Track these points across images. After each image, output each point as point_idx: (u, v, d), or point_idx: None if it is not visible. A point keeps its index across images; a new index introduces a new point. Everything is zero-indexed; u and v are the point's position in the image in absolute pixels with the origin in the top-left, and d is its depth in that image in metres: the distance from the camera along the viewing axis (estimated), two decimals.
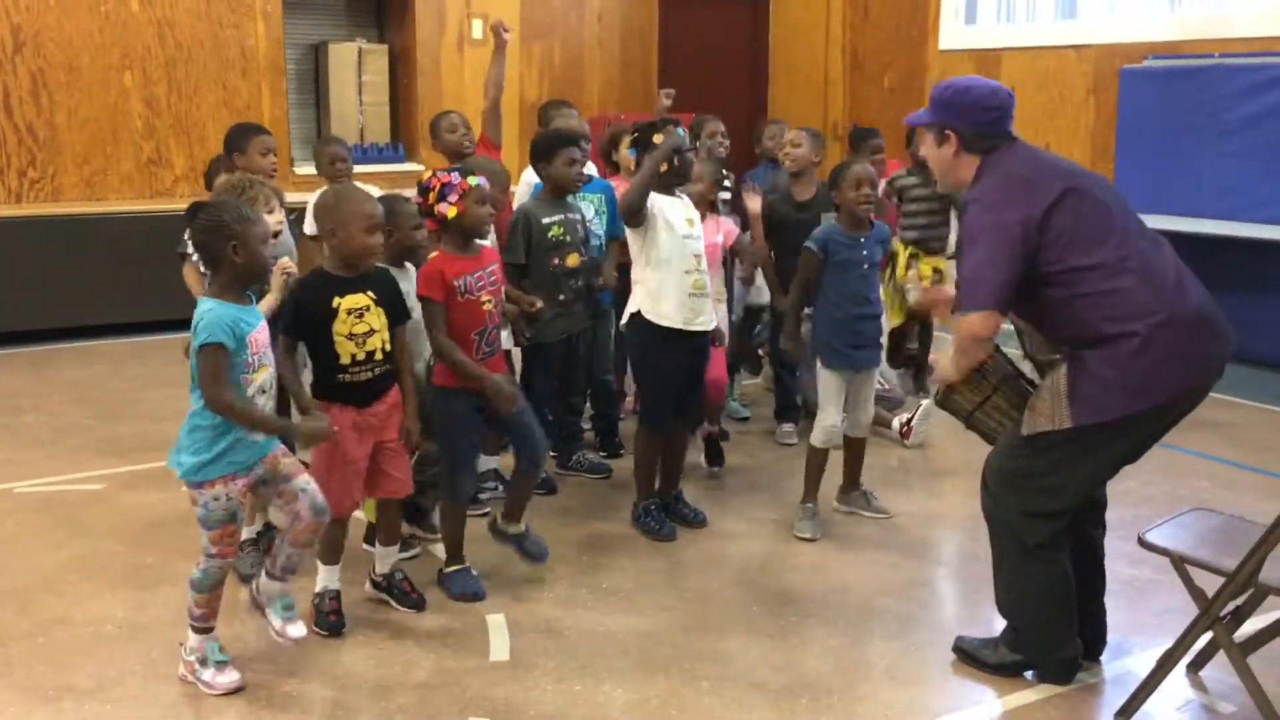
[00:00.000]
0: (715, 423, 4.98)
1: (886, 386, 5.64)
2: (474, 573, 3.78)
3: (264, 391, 3.02)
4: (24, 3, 7.50)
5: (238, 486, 3.00)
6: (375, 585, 3.66)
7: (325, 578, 3.48)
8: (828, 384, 4.29)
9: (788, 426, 5.42)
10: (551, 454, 4.77)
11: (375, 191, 3.95)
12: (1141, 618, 3.51)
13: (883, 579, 3.93)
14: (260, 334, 3.01)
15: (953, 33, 8.67)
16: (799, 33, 10.10)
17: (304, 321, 3.31)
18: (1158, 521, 3.13)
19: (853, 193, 4.23)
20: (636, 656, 3.38)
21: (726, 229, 4.92)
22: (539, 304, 4.23)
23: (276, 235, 3.67)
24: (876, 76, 9.40)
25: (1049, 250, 2.90)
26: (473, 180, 3.57)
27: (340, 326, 3.30)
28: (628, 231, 4.14)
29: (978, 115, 3.06)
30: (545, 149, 4.57)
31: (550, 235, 4.44)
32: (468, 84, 9.07)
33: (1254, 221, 6.67)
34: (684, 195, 4.20)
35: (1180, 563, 2.98)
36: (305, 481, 3.14)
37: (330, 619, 3.45)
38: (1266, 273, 6.63)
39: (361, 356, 3.34)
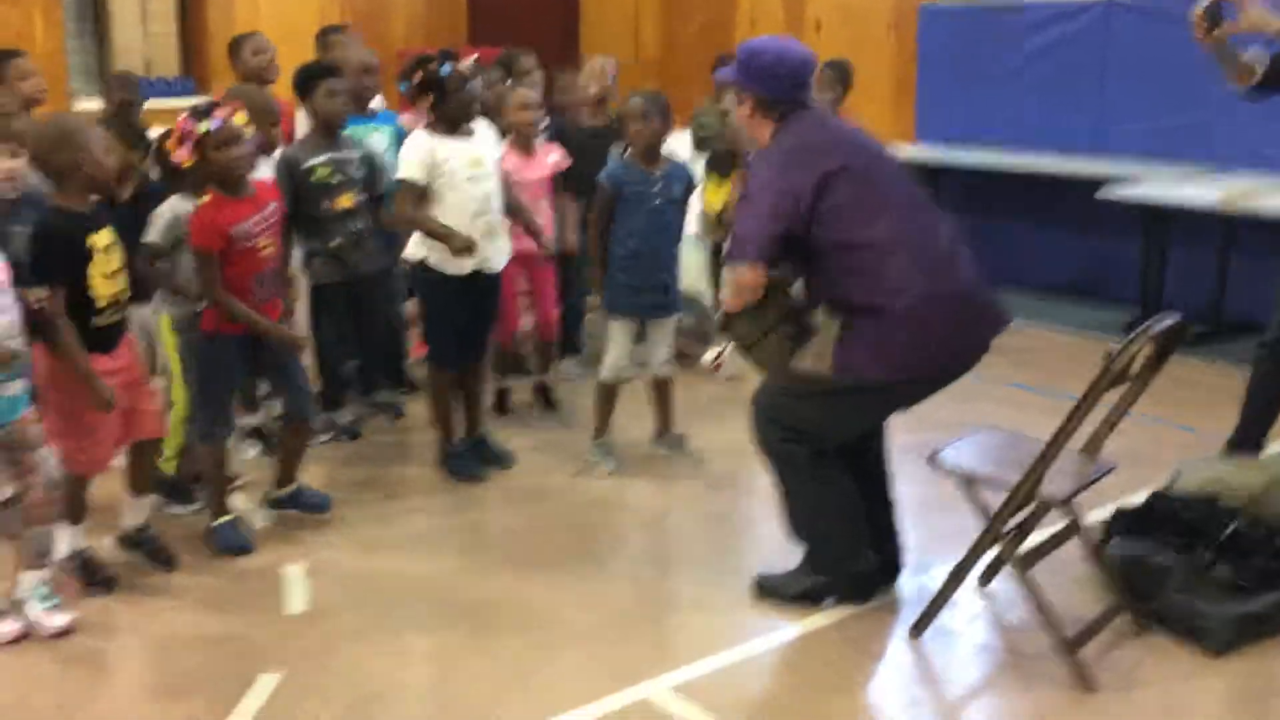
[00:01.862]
0: (546, 369, 4.84)
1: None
2: (238, 523, 3.62)
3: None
4: None
5: None
6: (123, 541, 3.43)
7: (72, 538, 3.26)
8: (613, 329, 4.21)
9: (568, 362, 5.24)
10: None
11: None
12: (936, 536, 3.61)
13: (690, 512, 3.95)
14: None
15: None
16: None
17: (61, 267, 3.03)
18: (948, 442, 3.21)
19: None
20: (438, 602, 3.30)
21: (555, 160, 4.76)
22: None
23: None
24: (688, 12, 9.34)
25: (824, 222, 2.95)
26: (204, 125, 3.31)
27: (96, 267, 3.07)
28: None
29: (768, 80, 3.10)
30: (303, 82, 4.33)
31: (316, 178, 4.22)
32: (262, 11, 8.61)
33: (1040, 152, 6.92)
34: (480, 128, 4.05)
35: (968, 481, 3.08)
36: (48, 453, 2.94)
37: (100, 576, 3.25)
38: (1054, 202, 6.91)
39: (112, 296, 3.14)
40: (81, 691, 2.86)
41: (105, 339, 3.14)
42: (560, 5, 10.23)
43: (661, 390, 4.39)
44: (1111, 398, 2.97)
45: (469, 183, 3.91)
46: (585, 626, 3.16)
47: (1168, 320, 2.86)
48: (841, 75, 5.92)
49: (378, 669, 2.93)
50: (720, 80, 3.39)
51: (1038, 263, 7.13)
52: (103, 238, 3.11)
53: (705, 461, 4.36)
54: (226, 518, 3.58)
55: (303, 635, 3.09)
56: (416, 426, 4.64)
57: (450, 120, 3.93)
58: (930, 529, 3.66)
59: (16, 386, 2.92)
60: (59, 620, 3.01)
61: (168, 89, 8.34)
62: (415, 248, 4.04)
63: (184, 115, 3.37)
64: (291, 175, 4.20)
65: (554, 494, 4.07)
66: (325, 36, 5.40)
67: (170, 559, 3.40)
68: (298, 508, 3.71)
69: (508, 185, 4.18)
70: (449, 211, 3.90)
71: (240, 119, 3.42)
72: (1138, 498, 3.46)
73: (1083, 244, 6.97)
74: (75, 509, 3.24)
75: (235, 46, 4.91)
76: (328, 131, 4.31)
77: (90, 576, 3.24)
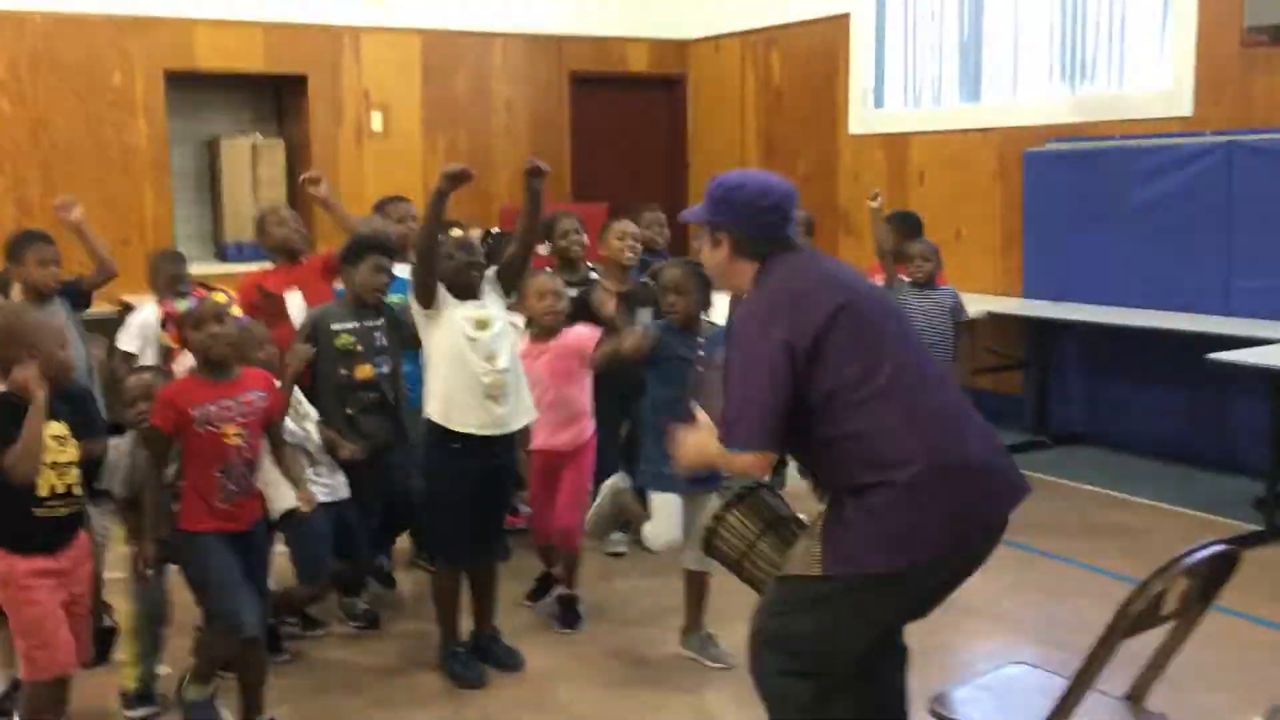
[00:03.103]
0: (570, 580, 4.38)
1: None
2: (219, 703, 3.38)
3: None
4: None
5: None
6: None
7: None
8: (656, 503, 3.89)
9: (617, 535, 4.93)
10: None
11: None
12: None
13: None
14: None
15: (861, 117, 8.43)
16: (715, 119, 9.87)
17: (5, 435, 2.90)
18: (969, 676, 2.73)
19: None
20: None
21: (584, 339, 4.37)
22: (353, 450, 3.95)
23: None
24: (791, 162, 9.13)
25: (817, 378, 2.54)
26: (180, 305, 3.22)
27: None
28: (416, 318, 3.77)
29: (750, 216, 2.72)
30: (352, 253, 4.24)
31: (339, 343, 4.09)
32: (367, 177, 8.79)
33: (1156, 308, 6.34)
34: (489, 289, 3.84)
35: None
36: None
37: None
38: (1172, 362, 6.27)
39: (61, 489, 2.99)
40: None
41: (47, 535, 2.99)
42: (666, 157, 10.18)
43: (694, 584, 4.00)
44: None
45: (471, 341, 3.70)
46: None
47: (1210, 550, 2.35)
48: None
49: None
50: (686, 219, 2.98)
51: (1153, 427, 6.50)
52: (53, 428, 2.98)
53: (739, 668, 3.92)
54: (206, 691, 3.39)
55: None
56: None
57: (450, 287, 3.74)
58: None
59: None
60: None
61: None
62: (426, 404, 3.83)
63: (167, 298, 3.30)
64: (316, 335, 4.10)
65: (568, 703, 3.69)
66: (383, 206, 5.33)
67: None
68: None
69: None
70: (451, 359, 3.70)
71: (220, 299, 3.31)
72: None
73: (1204, 408, 6.30)
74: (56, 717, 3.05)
75: (260, 221, 4.88)
76: (359, 301, 4.19)
77: None
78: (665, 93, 10.12)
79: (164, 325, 3.28)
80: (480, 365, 3.68)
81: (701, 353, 3.87)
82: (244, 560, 3.33)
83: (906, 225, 5.94)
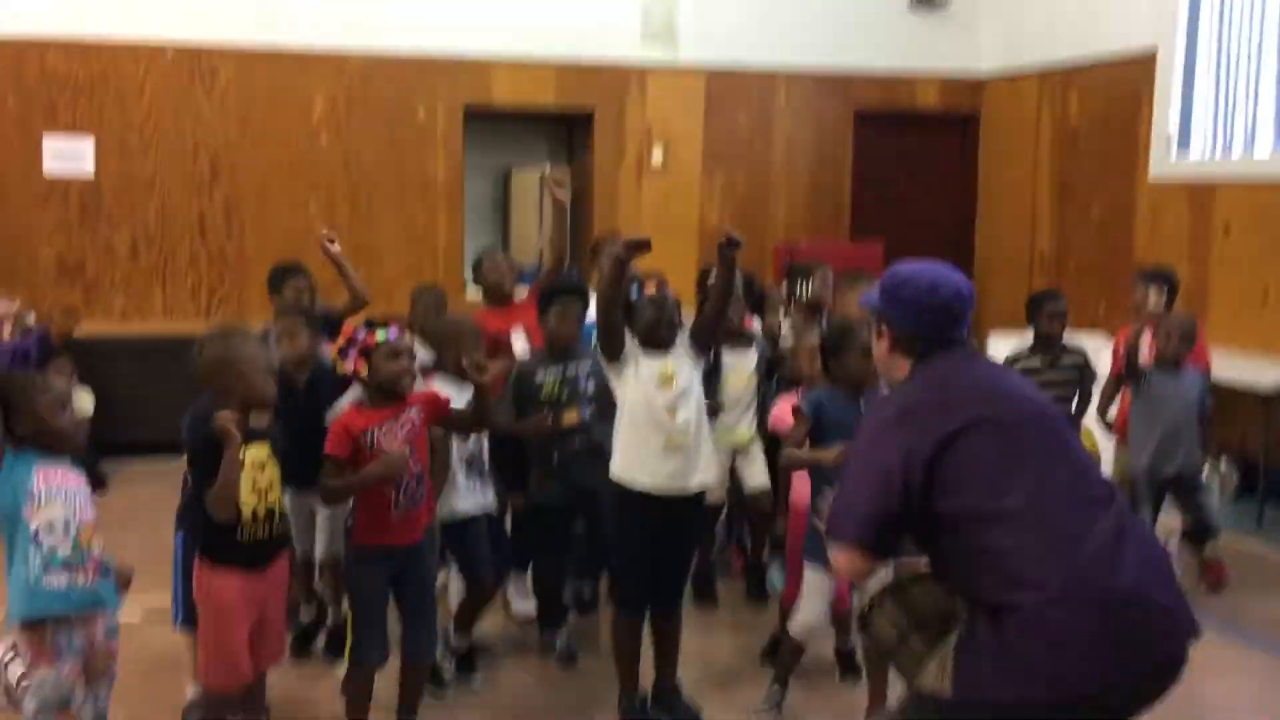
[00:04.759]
0: (845, 639, 4.24)
1: None
2: None
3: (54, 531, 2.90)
4: (222, 136, 8.12)
5: (65, 669, 2.88)
6: None
7: None
8: (810, 580, 3.78)
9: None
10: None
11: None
12: None
13: None
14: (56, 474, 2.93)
15: (1163, 162, 7.79)
16: (1007, 159, 9.42)
17: (207, 474, 3.18)
18: None
19: None
20: None
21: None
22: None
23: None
24: (1084, 208, 8.59)
25: (945, 489, 2.40)
26: (380, 334, 3.40)
27: (244, 478, 3.18)
28: (606, 369, 3.84)
29: (913, 314, 2.63)
30: (544, 299, 4.37)
31: (544, 392, 4.21)
32: (645, 210, 9.03)
33: None
34: (681, 344, 3.85)
35: None
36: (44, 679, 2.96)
37: None
38: None
39: (262, 512, 3.22)
40: None
41: (249, 555, 3.23)
42: (953, 199, 9.82)
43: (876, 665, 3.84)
44: None
45: (655, 399, 3.71)
46: None
47: None
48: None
49: None
50: (861, 305, 2.89)
51: None
52: (256, 452, 3.22)
53: None
54: None
55: None
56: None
57: (641, 338, 3.78)
58: None
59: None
60: None
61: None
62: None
63: (357, 325, 3.49)
64: (521, 388, 4.25)
65: None
66: (600, 244, 5.46)
67: None
68: None
69: None
70: (633, 414, 3.74)
71: (409, 337, 3.52)
72: None
73: None
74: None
75: (476, 264, 5.11)
76: (555, 348, 4.31)
77: None
78: (955, 131, 9.77)
79: (342, 352, 3.44)
80: (661, 421, 3.70)
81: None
82: (407, 584, 3.50)
83: (1164, 285, 5.44)
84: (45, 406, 2.90)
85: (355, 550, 3.50)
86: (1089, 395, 5.33)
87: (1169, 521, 5.31)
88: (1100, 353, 5.71)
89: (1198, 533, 5.23)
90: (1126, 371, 5.14)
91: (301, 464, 3.56)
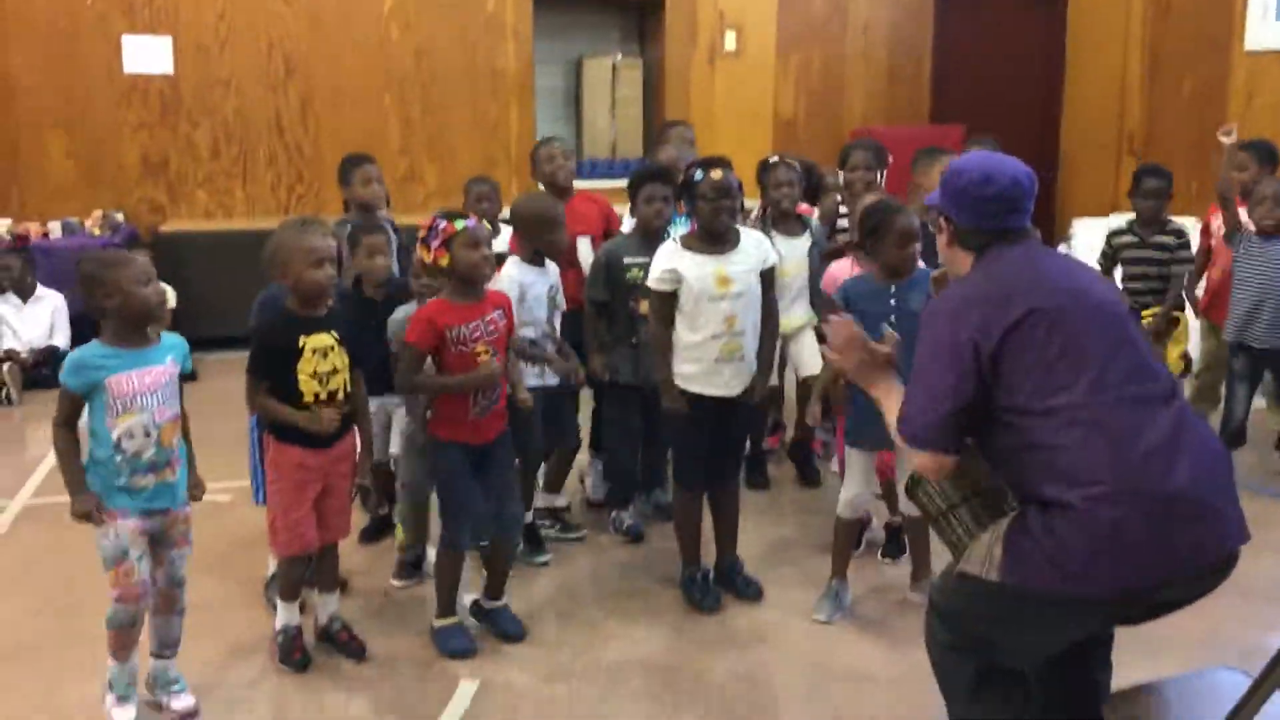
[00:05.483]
0: (894, 508, 4.23)
1: None
2: (465, 628, 3.66)
3: (134, 436, 2.99)
4: (295, 34, 8.17)
5: (127, 526, 3.01)
6: (317, 634, 3.60)
7: (285, 614, 3.49)
8: (852, 460, 3.79)
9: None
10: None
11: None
12: None
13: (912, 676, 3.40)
14: (134, 379, 2.99)
15: (1260, 32, 7.43)
16: (1097, 33, 9.05)
17: (268, 363, 3.31)
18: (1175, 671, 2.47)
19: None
20: None
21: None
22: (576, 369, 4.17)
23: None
24: (1175, 82, 8.25)
25: (1004, 381, 2.39)
26: (459, 223, 3.42)
27: (305, 365, 3.29)
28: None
29: (967, 205, 2.59)
30: (632, 185, 4.36)
31: (629, 276, 4.25)
32: (717, 98, 8.91)
33: None
34: (750, 238, 3.82)
35: None
36: (179, 554, 3.16)
37: (295, 657, 3.45)
38: None
39: (324, 395, 3.33)
40: None
41: (312, 436, 3.34)
42: (1040, 78, 9.49)
43: (915, 529, 3.86)
44: None
45: (710, 302, 3.71)
46: None
47: None
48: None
49: None
50: (929, 204, 2.86)
51: None
52: (317, 340, 3.32)
53: None
54: (452, 620, 3.66)
55: None
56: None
57: (703, 231, 3.76)
58: None
59: (176, 475, 3.13)
60: (181, 703, 3.20)
61: (625, 169, 8.88)
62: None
63: (436, 216, 3.52)
64: (609, 268, 4.30)
65: (783, 642, 3.71)
66: (665, 130, 5.40)
67: (360, 650, 3.55)
68: (494, 629, 3.71)
69: None
70: (690, 329, 3.74)
71: (487, 227, 3.55)
72: None
73: None
74: (287, 588, 3.49)
75: (532, 155, 5.04)
76: (646, 234, 4.32)
77: (286, 655, 3.47)
78: (1043, 6, 9.40)
79: (423, 242, 3.48)
80: (712, 327, 3.69)
81: (894, 301, 3.71)
82: (488, 471, 3.58)
83: (1261, 158, 5.21)
84: (129, 279, 2.99)
85: (433, 442, 3.58)
86: (1182, 274, 5.18)
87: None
88: (1192, 234, 5.54)
89: None
90: (1226, 235, 4.99)
91: (380, 373, 3.70)
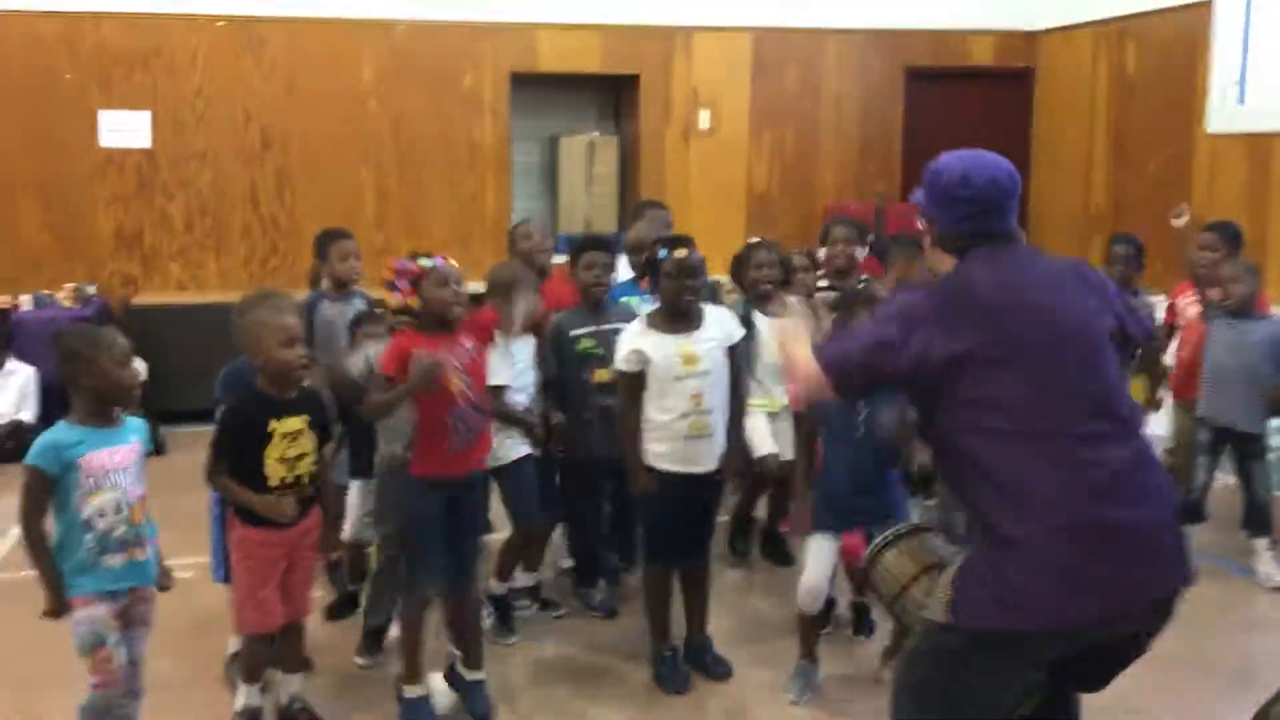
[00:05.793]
0: (860, 589, 4.19)
1: None
2: (430, 703, 3.60)
3: (105, 514, 2.96)
4: (272, 107, 8.23)
5: (101, 611, 2.97)
6: (279, 716, 3.53)
7: (245, 695, 3.44)
8: (813, 545, 3.77)
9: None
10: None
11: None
12: None
13: None
14: (105, 456, 2.97)
15: (1222, 115, 7.59)
16: (1063, 115, 9.22)
17: (235, 444, 3.28)
18: None
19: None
20: None
21: None
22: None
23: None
24: (1141, 162, 8.40)
25: (956, 392, 2.36)
26: (425, 262, 3.41)
27: (272, 450, 3.26)
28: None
29: (946, 206, 2.52)
30: (572, 253, 4.40)
31: (580, 348, 4.25)
32: (692, 174, 9.01)
33: None
34: (713, 316, 3.84)
35: None
36: (139, 634, 3.12)
37: None
38: None
39: (290, 479, 3.29)
40: None
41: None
42: (1007, 154, 9.62)
43: None
44: None
45: (676, 381, 3.71)
46: None
47: None
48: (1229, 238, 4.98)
49: None
50: (913, 203, 2.74)
51: None
52: (288, 424, 3.29)
53: None
54: (418, 691, 3.59)
55: None
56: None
57: (667, 309, 3.78)
58: None
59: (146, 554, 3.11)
60: None
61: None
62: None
63: (402, 259, 3.51)
64: (558, 341, 4.29)
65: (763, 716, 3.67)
66: (640, 209, 5.45)
67: None
68: (463, 702, 3.65)
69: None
70: (659, 409, 3.74)
71: (455, 264, 3.53)
72: None
73: None
74: (250, 669, 3.44)
75: (510, 234, 5.09)
76: (587, 301, 4.33)
77: None
78: (1010, 86, 9.58)
79: (391, 285, 3.46)
80: (682, 405, 3.69)
81: None
82: (459, 511, 3.53)
83: (1227, 239, 5.28)
84: (109, 359, 2.98)
85: (412, 483, 3.52)
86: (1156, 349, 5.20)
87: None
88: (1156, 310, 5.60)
89: (1251, 525, 5.01)
90: (1202, 311, 5.05)
91: (369, 458, 3.79)
